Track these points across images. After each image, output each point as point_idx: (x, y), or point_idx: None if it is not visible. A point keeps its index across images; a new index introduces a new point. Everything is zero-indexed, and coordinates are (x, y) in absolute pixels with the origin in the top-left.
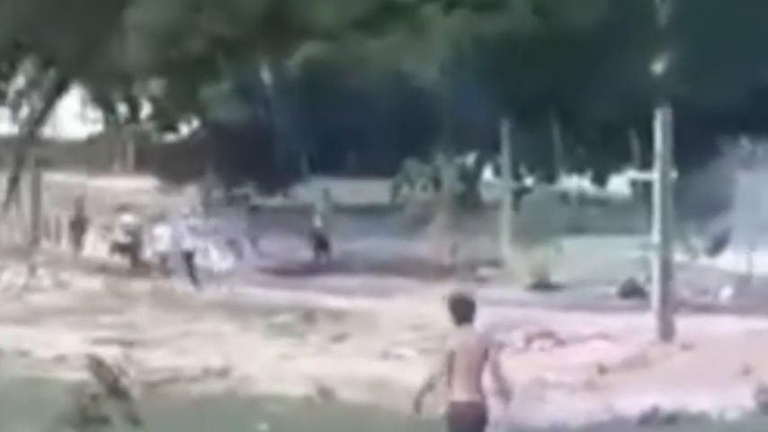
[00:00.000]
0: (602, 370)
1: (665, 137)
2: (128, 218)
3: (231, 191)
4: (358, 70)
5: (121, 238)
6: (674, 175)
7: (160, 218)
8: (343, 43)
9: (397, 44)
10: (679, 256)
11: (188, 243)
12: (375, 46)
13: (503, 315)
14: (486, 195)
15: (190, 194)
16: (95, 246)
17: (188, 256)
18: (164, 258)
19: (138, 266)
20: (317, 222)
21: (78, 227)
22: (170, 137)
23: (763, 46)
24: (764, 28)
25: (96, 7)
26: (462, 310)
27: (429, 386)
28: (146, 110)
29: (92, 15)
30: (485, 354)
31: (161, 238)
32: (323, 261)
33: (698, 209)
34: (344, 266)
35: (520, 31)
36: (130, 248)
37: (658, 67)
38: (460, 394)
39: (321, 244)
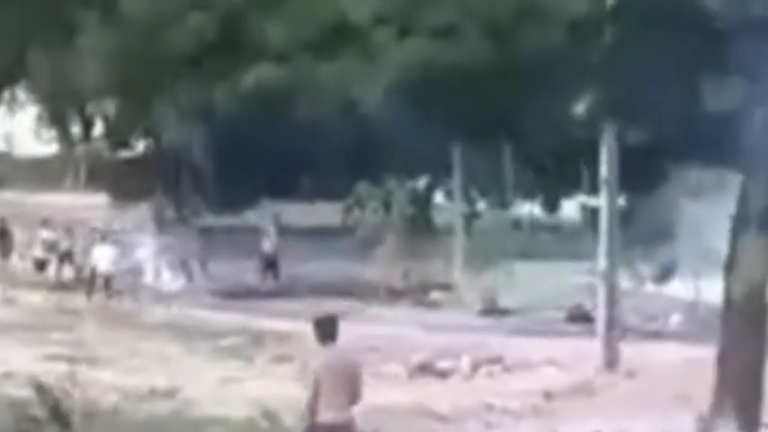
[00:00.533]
0: (548, 396)
1: (610, 164)
2: (46, 233)
3: (181, 211)
4: (309, 94)
5: (40, 253)
6: (622, 202)
7: (101, 238)
8: (295, 66)
9: (348, 69)
10: (625, 283)
11: (106, 266)
12: (326, 70)
13: (452, 340)
14: (438, 219)
15: (142, 212)
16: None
17: (107, 280)
18: (107, 279)
19: (71, 282)
20: (266, 245)
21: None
22: (124, 154)
23: (703, 74)
24: (704, 58)
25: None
26: (326, 328)
27: (310, 407)
28: (99, 128)
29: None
30: (352, 375)
31: (102, 258)
32: (269, 284)
33: (646, 235)
34: (293, 289)
35: (472, 58)
36: (62, 261)
37: (579, 107)
38: (327, 415)
39: (269, 266)
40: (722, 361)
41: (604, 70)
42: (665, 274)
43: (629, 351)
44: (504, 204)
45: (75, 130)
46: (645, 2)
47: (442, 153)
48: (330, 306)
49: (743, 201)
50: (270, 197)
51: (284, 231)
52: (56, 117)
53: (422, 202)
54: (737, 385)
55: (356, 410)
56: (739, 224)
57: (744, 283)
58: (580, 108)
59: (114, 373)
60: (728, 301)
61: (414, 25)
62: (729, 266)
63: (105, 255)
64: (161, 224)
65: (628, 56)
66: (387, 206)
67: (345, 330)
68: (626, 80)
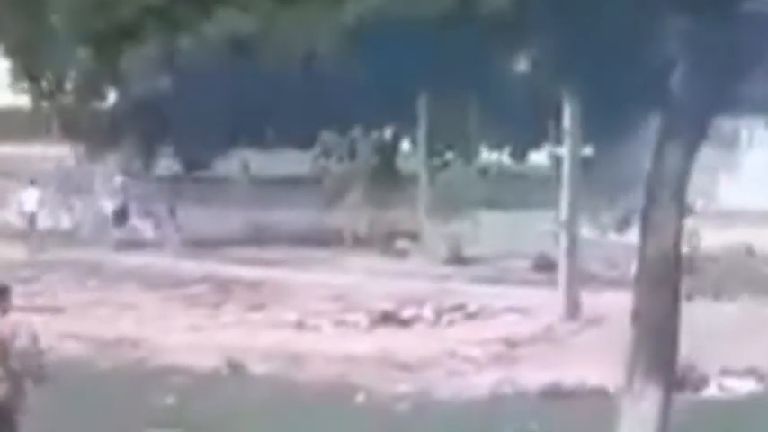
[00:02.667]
0: (510, 344)
1: (573, 117)
2: None
3: (151, 161)
4: (272, 42)
5: None
6: (588, 151)
7: (31, 182)
8: (258, 14)
9: (311, 17)
10: (589, 232)
11: (31, 206)
12: (289, 18)
13: (416, 289)
14: (405, 168)
15: (111, 163)
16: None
17: (30, 218)
18: (31, 220)
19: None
20: (119, 195)
21: None
22: (96, 106)
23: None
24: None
25: None
26: None
27: None
28: (71, 80)
29: None
30: (5, 351)
31: (27, 201)
32: (113, 236)
33: (611, 185)
34: (262, 237)
35: (435, 7)
36: None
37: (522, 65)
38: None
39: (119, 218)
40: (636, 318)
41: (540, 24)
42: (625, 223)
43: (592, 299)
44: (468, 156)
45: (48, 81)
46: None
47: (407, 103)
48: (300, 255)
49: (658, 160)
50: (238, 147)
51: (252, 180)
52: (27, 69)
53: (388, 152)
54: (652, 342)
55: (320, 357)
56: (653, 184)
57: (657, 242)
58: (522, 65)
59: (81, 322)
60: (642, 259)
61: None
62: (644, 225)
63: (31, 197)
64: (129, 175)
65: (565, 9)
66: (352, 155)
67: (312, 279)
68: (564, 36)
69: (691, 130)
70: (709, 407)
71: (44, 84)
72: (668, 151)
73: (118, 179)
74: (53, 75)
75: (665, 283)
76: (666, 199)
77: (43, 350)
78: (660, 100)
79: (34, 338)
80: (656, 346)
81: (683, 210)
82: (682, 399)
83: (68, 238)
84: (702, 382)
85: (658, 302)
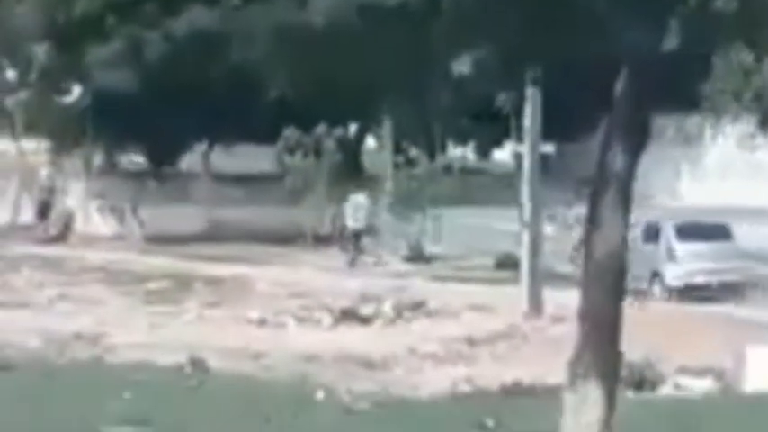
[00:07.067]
0: (470, 342)
1: (533, 115)
2: None
3: (114, 157)
4: (240, 37)
5: None
6: (548, 148)
7: None
8: (226, 9)
9: (278, 11)
10: (553, 229)
11: None
12: (256, 12)
13: (377, 286)
14: (370, 164)
15: (75, 158)
16: None
17: None
18: None
19: None
20: (44, 193)
21: None
22: (61, 100)
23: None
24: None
25: None
26: None
27: None
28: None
29: None
30: None
31: None
32: (40, 231)
33: (576, 182)
34: (223, 234)
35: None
36: None
37: (463, 67)
38: None
39: (43, 213)
40: (583, 318)
41: (490, 23)
42: None
43: (555, 296)
44: (432, 153)
45: (11, 75)
46: None
47: (372, 100)
48: (262, 251)
49: (602, 161)
50: (202, 142)
51: (214, 177)
52: None
53: (352, 149)
54: (597, 341)
55: (281, 354)
56: (598, 184)
57: (603, 243)
58: (464, 68)
59: (41, 317)
60: (589, 259)
61: None
62: (589, 225)
63: None
64: (92, 170)
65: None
66: (317, 152)
67: (272, 276)
68: (513, 37)
69: (633, 131)
70: (664, 405)
71: (9, 77)
72: (612, 152)
73: (43, 172)
74: (18, 68)
75: (610, 283)
76: (611, 199)
77: None
78: (606, 102)
79: None
80: (601, 345)
81: (628, 209)
82: (638, 397)
83: (32, 232)
84: (660, 380)
85: (604, 302)
